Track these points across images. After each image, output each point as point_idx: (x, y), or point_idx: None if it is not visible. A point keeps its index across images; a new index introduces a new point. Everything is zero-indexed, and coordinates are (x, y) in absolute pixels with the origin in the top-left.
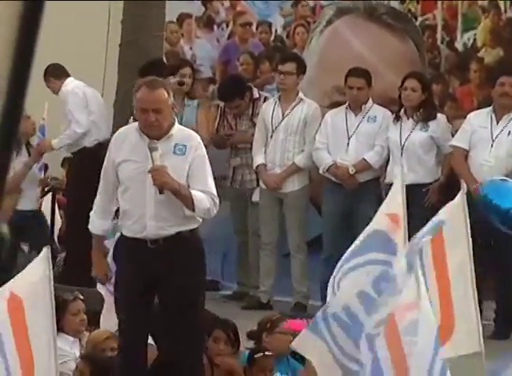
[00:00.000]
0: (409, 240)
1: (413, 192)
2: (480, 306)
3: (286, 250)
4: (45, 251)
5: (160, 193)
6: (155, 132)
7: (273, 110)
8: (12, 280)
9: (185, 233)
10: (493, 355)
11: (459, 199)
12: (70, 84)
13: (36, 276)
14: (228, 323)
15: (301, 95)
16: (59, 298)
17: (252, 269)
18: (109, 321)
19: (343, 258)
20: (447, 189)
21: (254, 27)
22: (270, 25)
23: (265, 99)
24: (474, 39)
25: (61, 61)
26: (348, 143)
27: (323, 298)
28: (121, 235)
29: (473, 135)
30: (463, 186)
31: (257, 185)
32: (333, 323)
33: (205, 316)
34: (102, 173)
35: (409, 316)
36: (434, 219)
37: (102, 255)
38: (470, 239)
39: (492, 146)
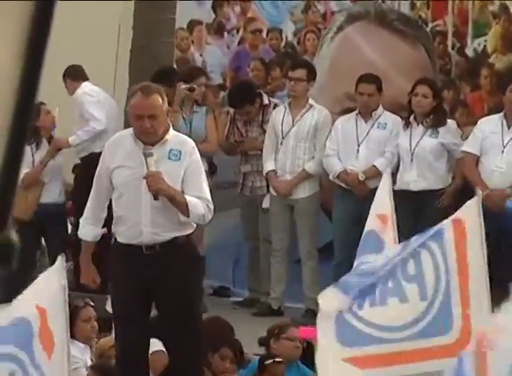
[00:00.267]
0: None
1: (425, 197)
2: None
3: (297, 256)
4: (60, 261)
5: (154, 199)
6: (150, 138)
7: (283, 116)
8: (30, 292)
9: (181, 239)
10: None
11: (474, 205)
12: (86, 87)
13: (53, 285)
14: (236, 342)
15: (311, 101)
16: (70, 305)
17: (263, 275)
18: None
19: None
20: (460, 194)
21: (264, 34)
22: (281, 31)
23: (275, 105)
24: (485, 45)
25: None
26: (358, 150)
27: None
28: (115, 241)
29: (484, 141)
30: (478, 192)
31: (268, 191)
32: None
33: (216, 322)
34: (95, 179)
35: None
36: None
37: (89, 262)
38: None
39: (503, 151)
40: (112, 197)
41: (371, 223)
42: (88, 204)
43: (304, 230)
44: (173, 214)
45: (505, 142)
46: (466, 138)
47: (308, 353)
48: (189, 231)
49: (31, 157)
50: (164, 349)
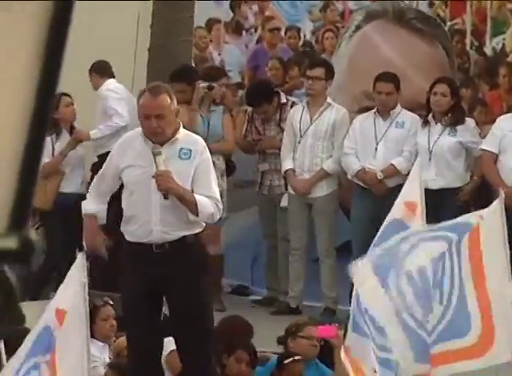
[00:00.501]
0: None
1: (443, 195)
2: None
3: (315, 255)
4: (81, 258)
5: (164, 198)
6: (158, 138)
7: (301, 115)
8: (56, 294)
9: (190, 238)
10: None
11: (497, 206)
12: (111, 84)
13: (74, 285)
14: (251, 345)
15: (329, 100)
16: (89, 303)
17: (281, 274)
18: None
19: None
20: (478, 191)
21: (282, 32)
22: (299, 30)
23: (293, 104)
24: (503, 44)
25: (90, 65)
26: (376, 149)
27: None
28: (124, 240)
29: (502, 139)
30: (501, 194)
31: (286, 190)
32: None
33: (235, 322)
34: (98, 176)
35: None
36: (460, 219)
37: (95, 232)
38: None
39: None
40: (122, 196)
41: (396, 211)
42: (90, 191)
43: (323, 229)
44: (182, 213)
45: None
46: (485, 136)
47: (326, 352)
48: (198, 230)
49: (51, 147)
50: None
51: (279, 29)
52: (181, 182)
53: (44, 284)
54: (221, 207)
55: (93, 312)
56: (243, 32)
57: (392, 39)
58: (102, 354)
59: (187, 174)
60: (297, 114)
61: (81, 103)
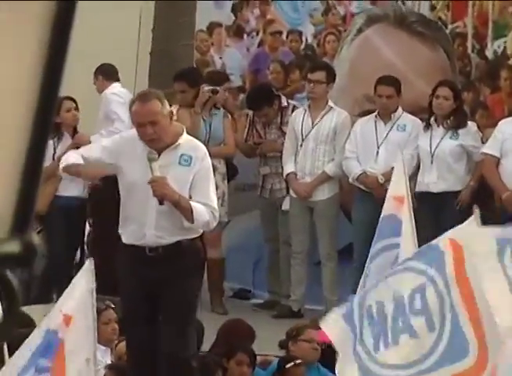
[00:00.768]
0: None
1: (445, 198)
2: None
3: (317, 258)
4: (88, 264)
5: (160, 203)
6: (155, 145)
7: (303, 118)
8: (62, 298)
9: (185, 243)
10: None
11: (472, 223)
12: (115, 88)
13: (81, 289)
14: (250, 348)
15: (330, 103)
16: None
17: (283, 277)
18: None
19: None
20: (478, 194)
21: (284, 36)
22: (300, 33)
23: (294, 107)
24: (505, 47)
25: (92, 69)
26: (378, 152)
27: None
28: (121, 242)
29: (504, 142)
30: (476, 212)
31: (287, 193)
32: (366, 314)
33: (236, 325)
34: (96, 145)
35: None
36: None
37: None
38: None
39: None
40: (120, 198)
41: (388, 207)
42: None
43: (324, 232)
44: (177, 218)
45: None
46: (487, 140)
47: (328, 356)
48: (194, 235)
49: (52, 151)
50: None
51: (280, 32)
52: (179, 189)
53: (47, 288)
54: (217, 215)
55: None
56: (245, 35)
57: (393, 43)
58: (104, 358)
59: (186, 180)
60: (298, 118)
61: (81, 104)
